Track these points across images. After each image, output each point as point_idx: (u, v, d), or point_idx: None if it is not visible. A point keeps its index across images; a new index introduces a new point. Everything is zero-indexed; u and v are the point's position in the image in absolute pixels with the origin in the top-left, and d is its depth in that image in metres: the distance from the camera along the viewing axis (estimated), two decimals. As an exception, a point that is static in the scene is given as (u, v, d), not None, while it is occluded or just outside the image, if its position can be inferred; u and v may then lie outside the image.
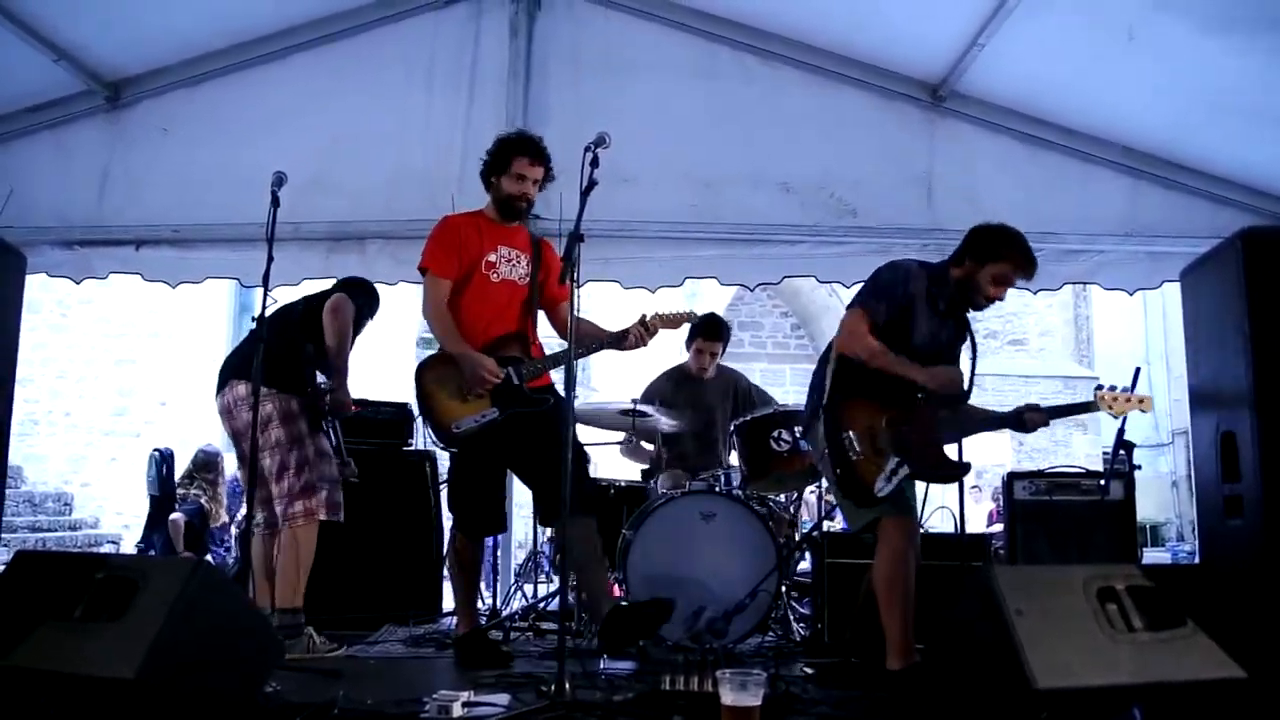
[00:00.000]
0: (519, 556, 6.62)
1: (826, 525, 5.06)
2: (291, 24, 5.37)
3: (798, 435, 4.68)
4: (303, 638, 4.04)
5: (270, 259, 3.81)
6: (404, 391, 4.45)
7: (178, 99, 5.44)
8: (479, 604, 5.67)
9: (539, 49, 5.48)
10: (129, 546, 10.89)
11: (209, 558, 7.92)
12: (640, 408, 5.21)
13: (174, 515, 8.02)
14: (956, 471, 3.59)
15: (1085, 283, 5.70)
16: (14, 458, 11.64)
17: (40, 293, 11.31)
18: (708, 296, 12.54)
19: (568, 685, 2.91)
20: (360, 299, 4.52)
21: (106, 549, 10.47)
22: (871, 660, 3.52)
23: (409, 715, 2.85)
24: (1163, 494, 17.89)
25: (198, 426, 11.51)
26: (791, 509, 5.32)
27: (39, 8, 4.73)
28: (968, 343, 3.78)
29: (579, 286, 3.34)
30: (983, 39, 4.79)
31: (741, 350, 16.23)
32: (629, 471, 5.89)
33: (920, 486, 3.81)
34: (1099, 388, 3.71)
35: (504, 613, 5.34)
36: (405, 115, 5.42)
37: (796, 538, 5.13)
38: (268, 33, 5.37)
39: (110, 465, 12.81)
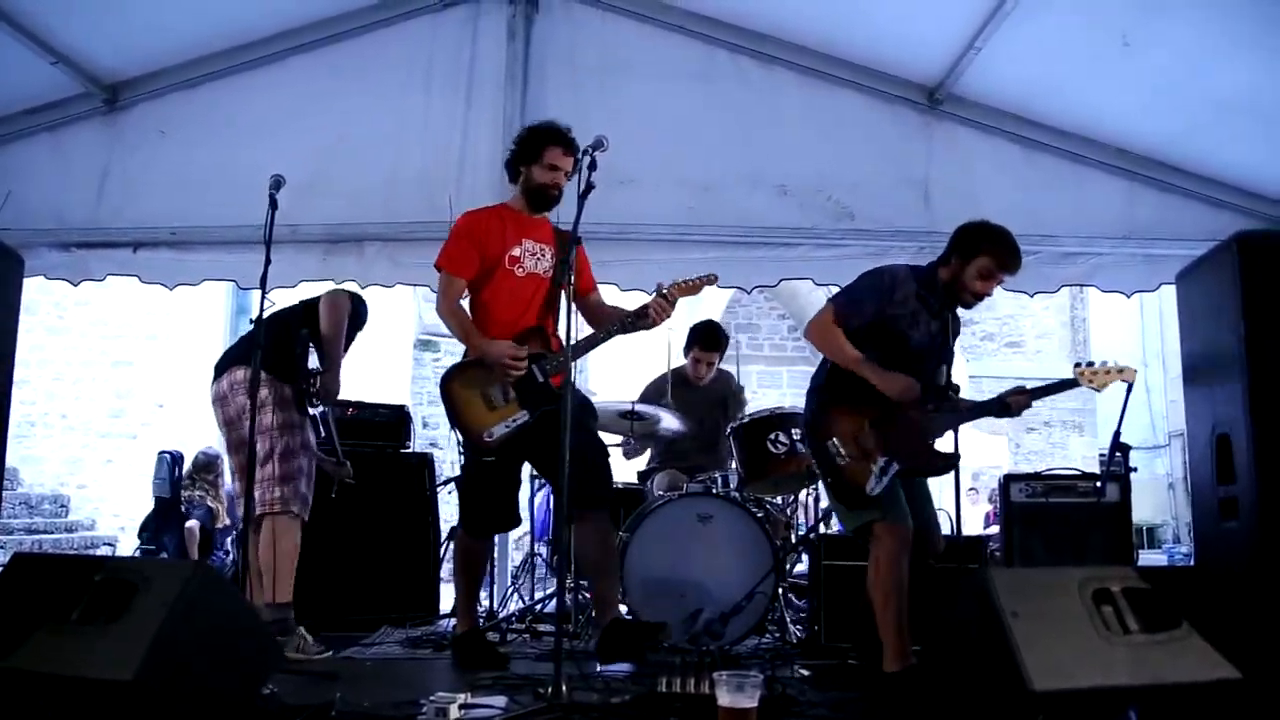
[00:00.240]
0: (515, 558, 6.62)
1: (823, 527, 5.07)
2: (289, 26, 5.37)
3: (795, 437, 4.69)
4: (294, 636, 4.03)
5: (268, 261, 3.80)
6: (401, 394, 4.47)
7: (175, 101, 5.43)
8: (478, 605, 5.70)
9: (536, 52, 5.49)
10: (126, 548, 10.88)
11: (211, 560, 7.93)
12: (640, 408, 5.21)
13: (190, 523, 8.05)
14: (946, 463, 3.65)
15: (1082, 285, 5.71)
16: (10, 459, 11.61)
17: (37, 294, 11.28)
18: (705, 299, 12.54)
19: (565, 687, 2.92)
20: (360, 312, 4.56)
21: (103, 551, 10.45)
22: (869, 662, 3.53)
23: (406, 717, 2.86)
24: (1159, 496, 17.88)
25: (195, 428, 11.49)
26: (788, 511, 5.33)
27: (36, 10, 4.73)
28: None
29: (572, 288, 3.33)
30: (979, 42, 4.80)
31: (738, 352, 16.19)
32: (625, 473, 5.89)
33: (927, 484, 3.86)
34: (1078, 364, 3.75)
35: (501, 614, 5.34)
36: (403, 117, 5.41)
37: (793, 539, 5.14)
38: (265, 35, 5.37)
39: (107, 467, 12.78)
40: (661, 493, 5.00)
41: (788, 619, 4.84)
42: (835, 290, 4.08)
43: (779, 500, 5.30)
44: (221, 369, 4.33)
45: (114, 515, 12.24)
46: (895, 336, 3.62)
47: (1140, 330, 18.50)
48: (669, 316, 3.82)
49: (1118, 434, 4.66)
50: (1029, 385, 3.79)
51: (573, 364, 3.75)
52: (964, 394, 3.83)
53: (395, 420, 5.60)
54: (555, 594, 4.65)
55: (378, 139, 5.40)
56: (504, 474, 3.96)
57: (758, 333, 17.72)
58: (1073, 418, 18.93)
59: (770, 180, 5.35)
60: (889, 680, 3.40)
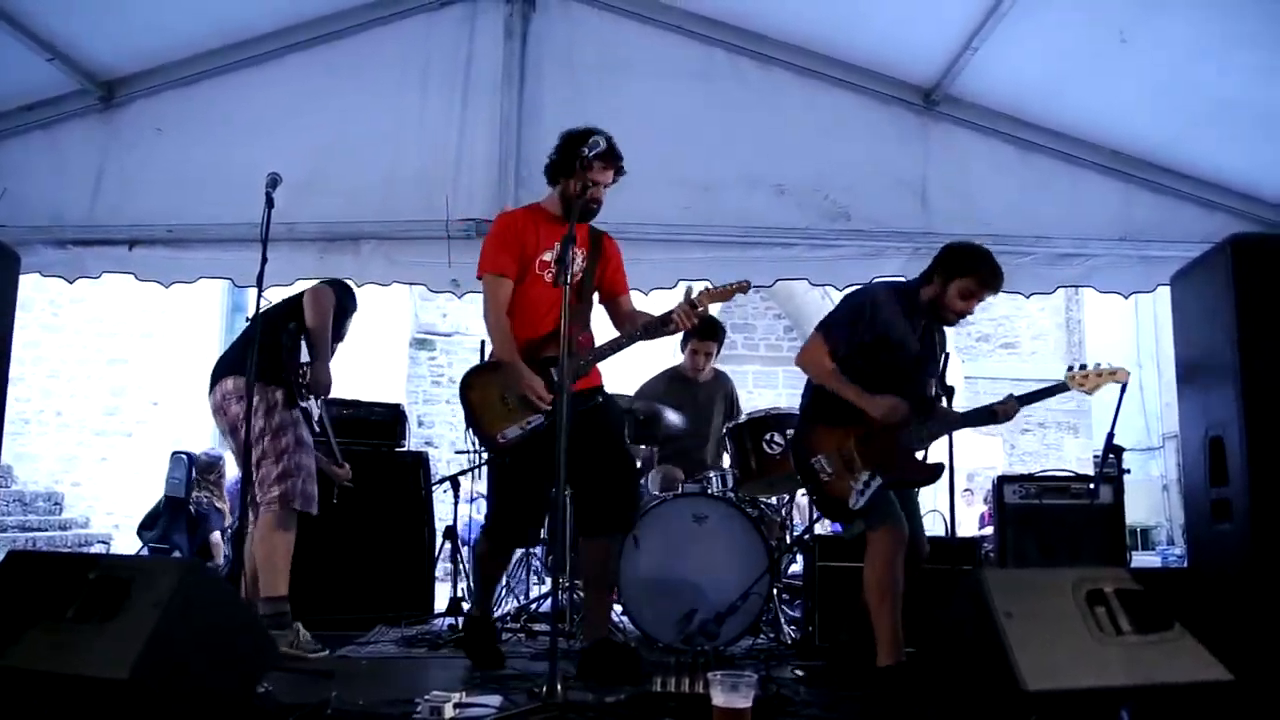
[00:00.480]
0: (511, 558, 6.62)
1: (817, 528, 5.08)
2: (286, 24, 5.36)
3: (790, 438, 4.69)
4: (288, 630, 4.03)
5: (264, 259, 3.80)
6: (396, 393, 4.47)
7: (172, 99, 5.42)
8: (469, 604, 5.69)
9: (533, 50, 5.48)
10: (120, 546, 10.87)
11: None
12: (641, 403, 5.21)
13: (214, 535, 8.07)
14: (932, 474, 3.69)
15: (1079, 286, 5.72)
16: (4, 456, 11.58)
17: (32, 292, 11.23)
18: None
19: (559, 686, 2.92)
20: (346, 300, 4.57)
21: (97, 549, 10.44)
22: (863, 661, 3.54)
23: (401, 716, 2.86)
24: (1153, 497, 17.90)
25: (190, 427, 11.50)
26: (783, 512, 5.33)
27: (31, 5, 4.71)
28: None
29: (571, 287, 3.32)
30: (976, 43, 4.80)
31: (735, 352, 16.22)
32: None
33: (916, 490, 3.89)
34: (1070, 368, 3.80)
35: (495, 614, 5.34)
36: (399, 116, 5.41)
37: (788, 540, 5.15)
38: (262, 33, 5.36)
39: (102, 465, 12.78)
40: (657, 493, 5.01)
41: (782, 620, 4.85)
42: (829, 291, 4.10)
43: (774, 501, 5.31)
44: (214, 380, 4.34)
45: (108, 513, 12.23)
46: (881, 356, 3.72)
47: (1135, 332, 18.53)
48: (694, 324, 3.81)
49: (1111, 435, 4.68)
50: (1024, 386, 3.82)
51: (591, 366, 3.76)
52: (959, 395, 3.86)
53: (390, 419, 5.61)
54: (550, 594, 4.66)
55: (374, 137, 5.40)
56: (529, 487, 3.86)
57: (754, 333, 17.73)
58: (1068, 419, 18.96)
59: (767, 180, 5.35)
60: (883, 674, 3.43)
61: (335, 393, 4.99)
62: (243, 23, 5.30)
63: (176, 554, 7.68)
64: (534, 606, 5.38)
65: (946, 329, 3.97)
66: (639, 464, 5.62)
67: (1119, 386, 3.77)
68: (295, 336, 4.30)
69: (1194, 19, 4.38)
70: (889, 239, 5.19)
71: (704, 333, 5.56)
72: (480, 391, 3.83)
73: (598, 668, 3.59)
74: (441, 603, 5.69)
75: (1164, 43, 4.53)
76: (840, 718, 3.05)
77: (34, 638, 2.50)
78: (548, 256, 3.90)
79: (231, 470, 8.29)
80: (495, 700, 3.07)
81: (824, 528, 5.51)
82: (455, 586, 5.99)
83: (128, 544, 11.30)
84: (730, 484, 4.98)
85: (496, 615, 5.26)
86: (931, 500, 4.60)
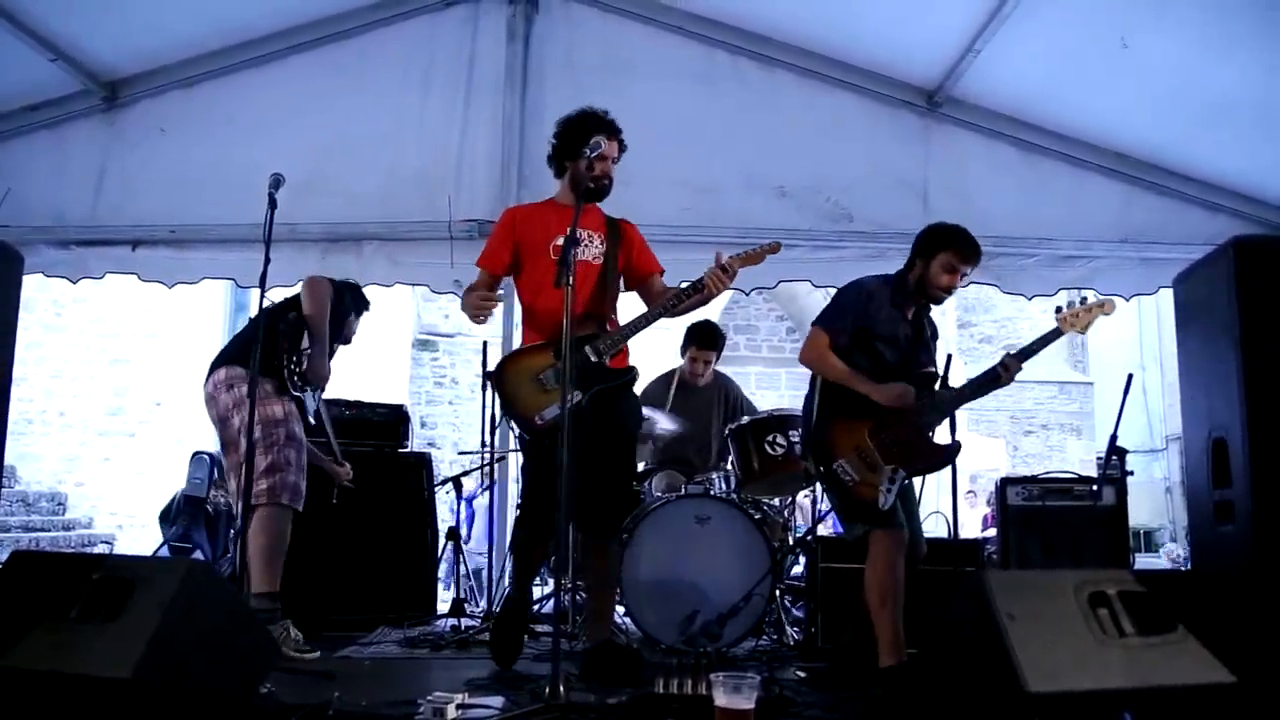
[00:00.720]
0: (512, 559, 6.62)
1: (820, 529, 5.07)
2: (289, 25, 5.38)
3: (793, 439, 4.70)
4: (277, 627, 4.01)
5: (267, 260, 3.80)
6: (399, 394, 4.48)
7: (175, 99, 5.44)
8: (478, 603, 5.69)
9: (536, 52, 5.50)
10: (124, 546, 10.89)
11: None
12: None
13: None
14: (950, 454, 3.74)
15: (1081, 288, 5.72)
16: (8, 457, 11.57)
17: (35, 292, 11.29)
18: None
19: (562, 687, 2.92)
20: (347, 295, 4.57)
21: (100, 549, 10.45)
22: (866, 662, 3.55)
23: (404, 716, 2.86)
24: (1157, 499, 17.91)
25: (193, 427, 11.49)
26: (786, 513, 5.33)
27: (35, 6, 4.74)
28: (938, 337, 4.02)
29: (573, 289, 3.31)
30: (978, 45, 4.81)
31: (737, 354, 16.24)
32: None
33: (915, 491, 3.89)
34: (1058, 310, 3.82)
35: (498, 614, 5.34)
36: (402, 117, 5.42)
37: (790, 541, 5.15)
38: (265, 34, 5.38)
39: (105, 465, 12.79)
40: (659, 494, 5.00)
41: (785, 621, 4.84)
42: (831, 292, 4.11)
43: (776, 502, 5.30)
44: (209, 371, 4.33)
45: (111, 513, 12.25)
46: (877, 344, 3.75)
47: (1138, 334, 18.54)
48: (726, 289, 3.75)
49: (1114, 437, 4.68)
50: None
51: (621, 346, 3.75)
52: (971, 377, 3.87)
53: (393, 420, 5.60)
54: (552, 595, 4.65)
55: (377, 138, 5.41)
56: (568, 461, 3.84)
57: (756, 334, 17.75)
58: (1071, 421, 18.96)
59: (769, 181, 5.37)
60: (885, 675, 3.44)
61: (338, 393, 4.99)
62: (246, 23, 5.32)
63: (198, 553, 7.70)
64: (536, 608, 5.37)
65: (940, 332, 4.04)
66: (641, 467, 5.63)
67: (1123, 386, 3.76)
68: (293, 325, 4.29)
69: (1195, 21, 4.39)
70: (891, 240, 5.19)
71: (703, 341, 5.56)
72: (513, 377, 3.78)
73: (600, 670, 3.58)
74: (444, 604, 5.68)
75: (1166, 45, 4.54)
76: (843, 719, 3.05)
77: (37, 637, 2.50)
78: (560, 242, 3.80)
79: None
80: (498, 701, 3.07)
81: (826, 529, 5.50)
82: (458, 588, 5.99)
83: (131, 544, 11.32)
84: (733, 485, 4.98)
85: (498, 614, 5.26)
86: (934, 502, 4.60)
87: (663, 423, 5.25)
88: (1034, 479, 5.14)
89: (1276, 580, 3.14)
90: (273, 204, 3.84)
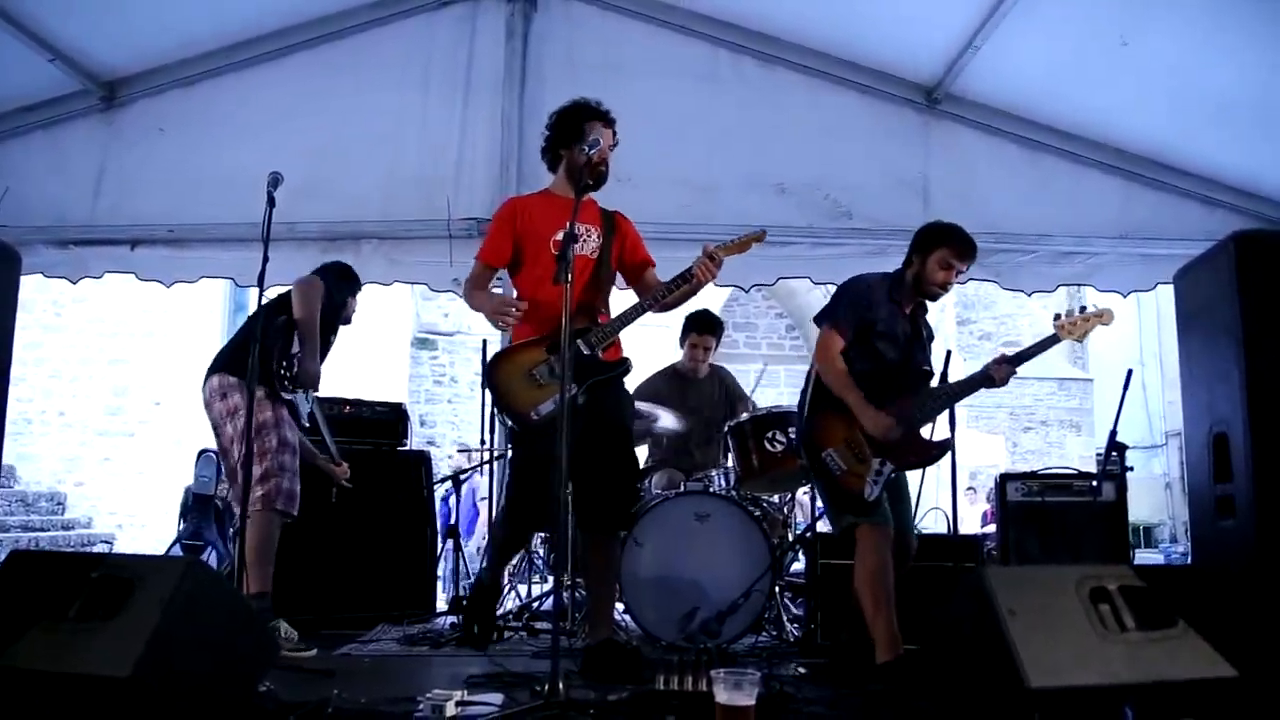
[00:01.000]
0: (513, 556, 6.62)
1: (819, 526, 5.07)
2: (287, 24, 5.38)
3: (792, 436, 4.69)
4: (270, 626, 4.01)
5: (265, 259, 3.79)
6: (399, 392, 4.48)
7: (173, 99, 5.44)
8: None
9: (534, 50, 5.49)
10: (123, 546, 10.88)
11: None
12: (639, 405, 5.20)
13: None
14: (940, 451, 3.75)
15: (1080, 284, 5.73)
16: (7, 457, 11.58)
17: (34, 292, 11.28)
18: (703, 297, 12.52)
19: (561, 684, 2.91)
20: (340, 284, 4.57)
21: (100, 548, 10.44)
22: (865, 659, 3.54)
23: (403, 714, 2.85)
24: (1156, 495, 17.92)
25: (192, 426, 11.48)
26: (785, 509, 5.33)
27: (33, 6, 4.73)
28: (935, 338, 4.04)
29: (570, 285, 3.30)
30: (978, 42, 4.81)
31: (736, 351, 16.24)
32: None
33: (913, 489, 3.89)
34: (1057, 317, 3.85)
35: (498, 612, 5.33)
36: (400, 116, 5.42)
37: (790, 538, 5.14)
38: (263, 33, 5.38)
39: (104, 465, 12.78)
40: (659, 491, 5.00)
41: (785, 617, 4.84)
42: (831, 289, 4.11)
43: (776, 499, 5.30)
44: (205, 376, 4.34)
45: (110, 513, 12.24)
46: (878, 342, 3.76)
47: (1137, 330, 18.54)
48: (714, 278, 3.75)
49: (1114, 433, 4.68)
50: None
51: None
52: (963, 376, 3.87)
53: (392, 418, 5.60)
54: (552, 592, 4.65)
55: (375, 137, 5.41)
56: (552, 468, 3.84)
57: (755, 331, 17.76)
58: (1070, 417, 18.97)
59: (769, 179, 5.36)
60: (882, 671, 3.44)
61: (338, 391, 4.98)
62: (243, 23, 5.32)
63: (210, 550, 7.70)
64: (536, 605, 5.37)
65: (939, 328, 4.01)
66: (644, 465, 5.63)
67: (1122, 382, 3.76)
68: (282, 329, 4.29)
69: (1195, 18, 4.38)
70: (891, 237, 5.17)
71: (702, 327, 5.56)
72: (506, 372, 3.76)
73: (601, 668, 3.58)
74: (443, 601, 5.68)
75: (1165, 41, 4.54)
76: (843, 715, 3.04)
77: (36, 637, 2.50)
78: (560, 236, 3.76)
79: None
80: (497, 698, 3.07)
81: (826, 525, 5.50)
82: (457, 585, 5.99)
83: (131, 544, 11.33)
84: (732, 482, 4.98)
85: (499, 613, 5.26)
86: (934, 498, 4.60)
87: (664, 419, 5.25)
88: (1033, 475, 5.14)
89: (1277, 574, 3.14)
90: (271, 203, 3.83)
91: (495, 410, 3.87)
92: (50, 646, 2.47)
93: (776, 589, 4.69)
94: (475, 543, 9.58)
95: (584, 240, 3.86)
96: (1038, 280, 5.42)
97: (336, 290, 4.55)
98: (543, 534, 5.99)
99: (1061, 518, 4.87)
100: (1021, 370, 3.86)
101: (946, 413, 3.85)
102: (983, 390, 3.89)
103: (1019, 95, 5.24)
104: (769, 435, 4.75)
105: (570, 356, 3.28)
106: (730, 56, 5.41)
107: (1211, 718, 2.39)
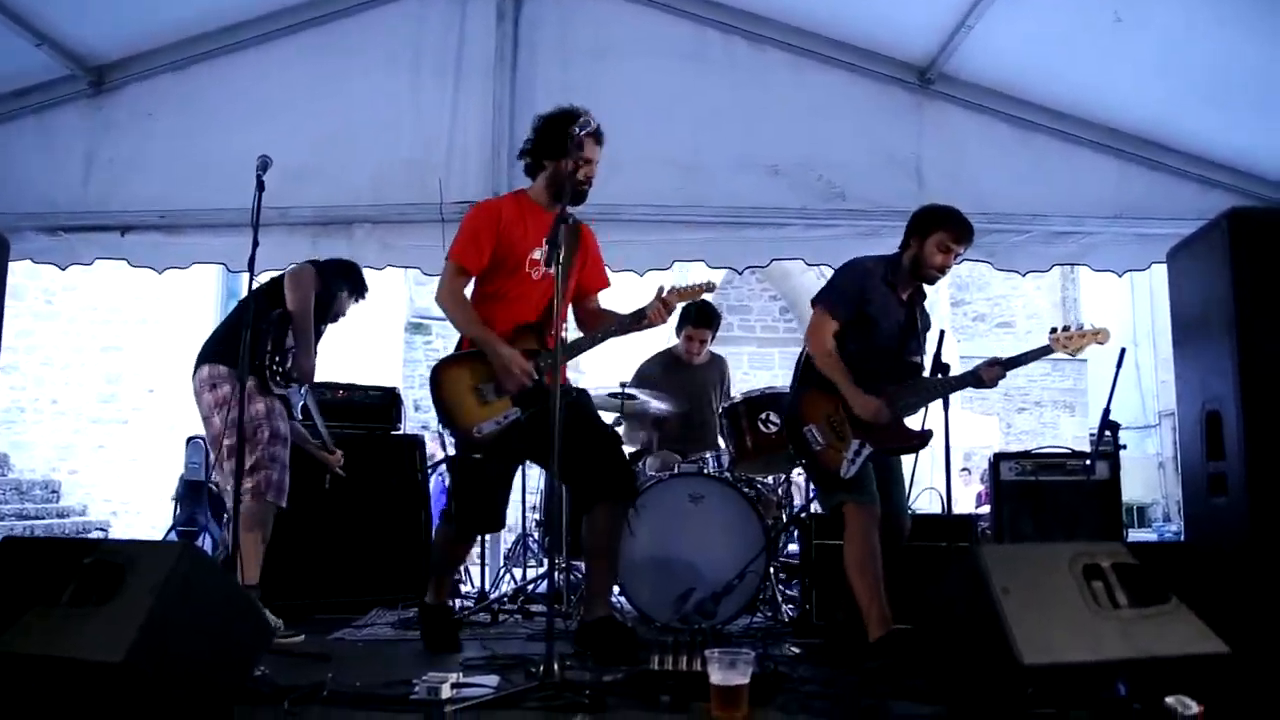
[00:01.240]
0: (508, 540, 6.63)
1: (813, 507, 5.08)
2: (276, 8, 5.34)
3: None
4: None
5: (255, 244, 3.78)
6: (392, 377, 4.47)
7: (162, 83, 5.40)
8: (466, 586, 5.70)
9: (525, 34, 5.46)
10: (118, 533, 10.87)
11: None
12: (630, 390, 5.21)
13: None
14: (920, 440, 3.75)
15: (1074, 264, 5.72)
16: (0, 445, 11.62)
17: (25, 279, 11.23)
18: (696, 280, 12.50)
19: (556, 666, 2.92)
20: (335, 279, 4.53)
21: (95, 536, 10.44)
22: (859, 638, 3.56)
23: (398, 697, 2.86)
24: (1149, 475, 17.99)
25: (186, 413, 11.46)
26: (780, 491, 5.34)
27: (19, -9, 4.69)
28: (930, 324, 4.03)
29: (562, 267, 3.30)
30: (970, 21, 4.78)
31: (730, 334, 16.23)
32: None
33: (907, 470, 3.90)
34: (1053, 330, 3.86)
35: (492, 595, 5.35)
36: (392, 100, 5.39)
37: (784, 519, 5.15)
38: (252, 16, 5.33)
39: (98, 452, 12.76)
40: (653, 474, 5.01)
41: (779, 598, 4.85)
42: (825, 270, 4.11)
43: (770, 480, 5.31)
44: (195, 365, 4.32)
45: (105, 500, 12.23)
46: (871, 323, 3.77)
47: (1131, 310, 18.57)
48: (664, 321, 3.72)
49: (1107, 411, 4.68)
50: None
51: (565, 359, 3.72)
52: (953, 374, 3.87)
53: (386, 403, 5.59)
54: (546, 575, 4.66)
55: (366, 121, 5.38)
56: (497, 474, 3.81)
57: (749, 314, 17.76)
58: (1064, 398, 19.02)
59: (761, 160, 5.34)
60: (875, 647, 3.45)
61: (331, 376, 4.97)
62: (233, 6, 5.28)
63: (205, 535, 7.71)
64: (531, 588, 5.39)
65: (932, 314, 4.06)
66: (639, 448, 5.64)
67: (1115, 361, 3.77)
68: (276, 324, 4.27)
69: (1187, -3, 4.36)
70: (884, 218, 5.16)
71: (699, 320, 5.56)
72: (452, 385, 3.70)
73: (597, 645, 3.59)
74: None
75: (1159, 19, 4.51)
76: (837, 694, 3.05)
77: (29, 622, 2.49)
78: (538, 255, 3.74)
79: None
80: (493, 680, 3.08)
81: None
82: (455, 573, 5.99)
83: (126, 531, 11.33)
84: (726, 464, 4.98)
85: (494, 596, 5.27)
86: (928, 479, 4.60)
87: (657, 403, 5.25)
88: (1028, 454, 5.15)
89: (1269, 551, 3.15)
90: (260, 187, 3.80)
91: (439, 422, 3.82)
92: (44, 632, 2.46)
93: (771, 570, 4.71)
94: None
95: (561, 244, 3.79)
96: (1032, 260, 5.42)
97: (332, 282, 4.52)
98: (538, 519, 6.01)
99: (1055, 496, 4.89)
100: (1015, 352, 3.88)
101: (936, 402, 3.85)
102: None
103: (1012, 74, 5.22)
104: (762, 417, 4.76)
105: (560, 350, 3.29)
106: (720, 37, 5.38)
107: (1204, 693, 2.40)
